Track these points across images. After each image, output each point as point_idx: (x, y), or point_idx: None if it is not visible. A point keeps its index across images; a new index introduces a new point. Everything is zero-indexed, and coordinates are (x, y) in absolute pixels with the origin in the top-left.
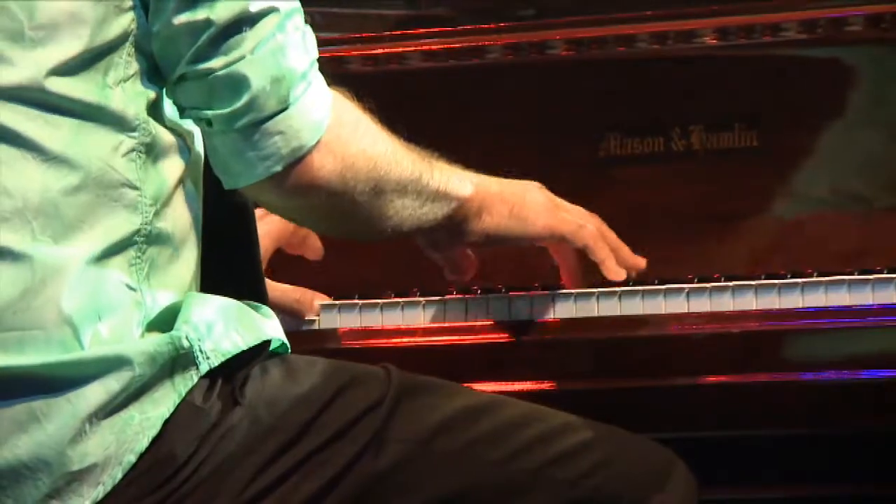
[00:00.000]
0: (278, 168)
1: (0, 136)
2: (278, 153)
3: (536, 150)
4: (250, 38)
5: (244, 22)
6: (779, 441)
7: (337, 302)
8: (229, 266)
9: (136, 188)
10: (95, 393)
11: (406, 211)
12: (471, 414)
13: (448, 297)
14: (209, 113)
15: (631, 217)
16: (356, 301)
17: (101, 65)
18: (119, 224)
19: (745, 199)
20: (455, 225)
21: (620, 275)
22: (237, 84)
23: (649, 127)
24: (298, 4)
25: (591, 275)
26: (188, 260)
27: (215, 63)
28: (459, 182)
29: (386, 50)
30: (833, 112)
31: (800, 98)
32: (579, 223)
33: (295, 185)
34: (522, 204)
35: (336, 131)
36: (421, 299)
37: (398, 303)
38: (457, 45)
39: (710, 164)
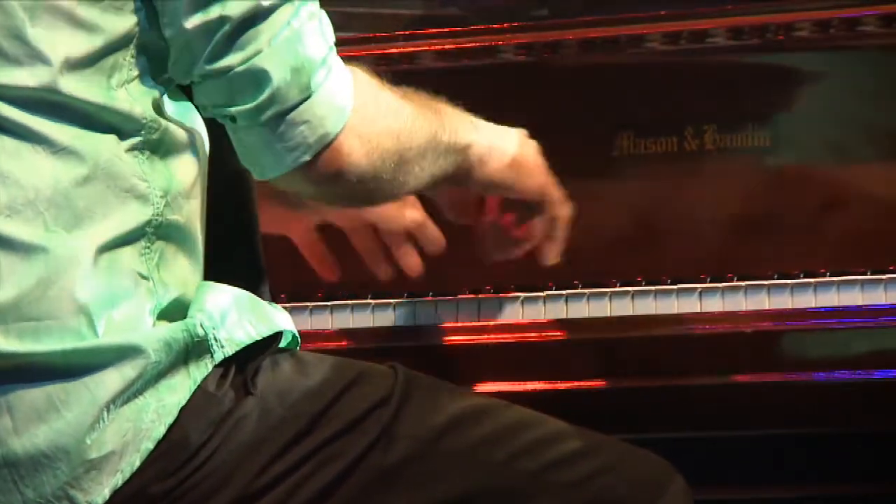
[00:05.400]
0: (307, 157)
1: (9, 130)
2: (305, 143)
3: (549, 149)
4: (265, 30)
5: (258, 15)
6: (790, 441)
7: (349, 302)
8: (231, 263)
9: (145, 181)
10: (112, 380)
11: (424, 172)
12: (475, 415)
13: (460, 297)
14: (232, 109)
15: (643, 216)
16: (369, 301)
17: (105, 68)
18: (131, 214)
19: (757, 199)
20: (459, 173)
21: (555, 259)
22: (258, 78)
23: (662, 127)
24: None
25: (606, 275)
26: (196, 252)
27: (233, 60)
28: (466, 131)
29: (399, 49)
30: (846, 112)
31: (813, 98)
32: (562, 198)
33: (325, 171)
34: (523, 158)
35: (360, 114)
36: (433, 299)
37: (411, 302)
38: (469, 45)
39: (723, 163)
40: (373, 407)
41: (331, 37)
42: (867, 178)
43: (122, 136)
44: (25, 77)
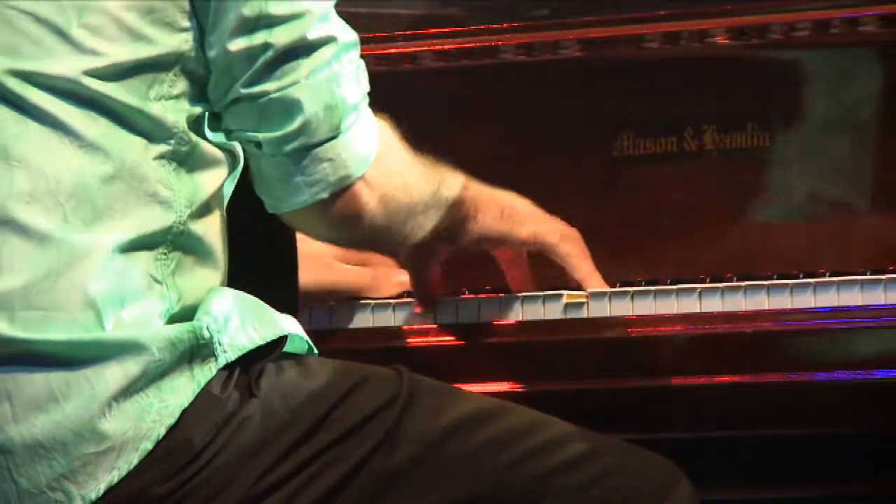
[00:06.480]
0: (325, 195)
1: (39, 118)
2: (326, 180)
3: (549, 150)
4: (306, 64)
5: (302, 48)
6: (790, 441)
7: (349, 302)
8: (265, 278)
9: (170, 189)
10: (115, 375)
11: (426, 225)
12: (480, 418)
13: (461, 297)
14: (259, 135)
15: (643, 217)
16: (369, 301)
17: (145, 78)
18: (152, 218)
19: (757, 199)
20: (453, 227)
21: (598, 284)
22: (290, 108)
23: (662, 127)
24: (357, 38)
25: (606, 275)
26: (214, 270)
27: (269, 86)
28: (458, 186)
29: (399, 50)
30: (846, 112)
31: (813, 98)
32: (556, 240)
33: (340, 214)
34: (512, 207)
35: (381, 164)
36: None
37: (411, 303)
38: (469, 45)
39: (723, 163)
40: (377, 410)
41: (366, 85)
42: (867, 178)
43: (152, 141)
44: (61, 67)
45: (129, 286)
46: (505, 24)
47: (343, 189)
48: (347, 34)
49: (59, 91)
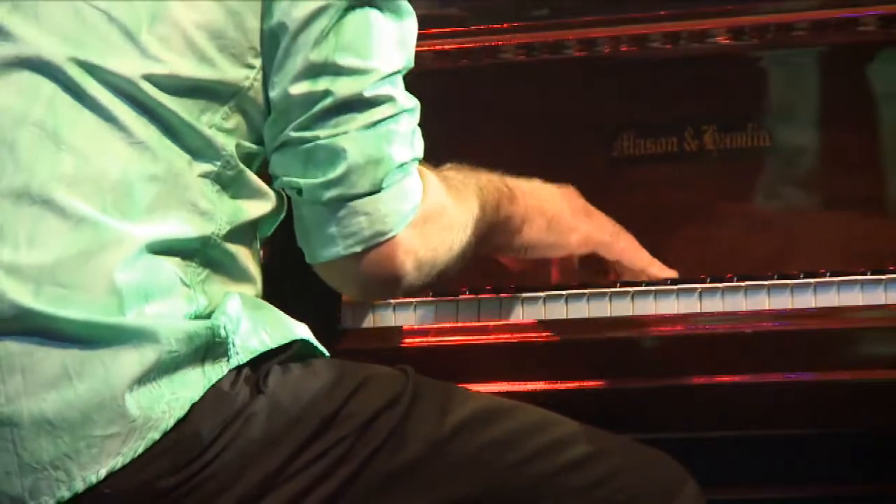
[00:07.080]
0: (357, 249)
1: (94, 109)
2: (361, 233)
3: (550, 150)
4: (360, 118)
5: (359, 102)
6: (790, 441)
7: (350, 302)
8: (306, 293)
9: (212, 203)
10: (131, 361)
11: (467, 254)
12: (486, 417)
13: (461, 297)
14: (301, 181)
15: (643, 217)
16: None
17: (200, 102)
18: (191, 225)
19: (757, 199)
20: (499, 242)
21: (669, 273)
22: (335, 155)
23: (662, 127)
24: (417, 105)
25: (602, 274)
26: (247, 286)
27: (320, 132)
28: (505, 205)
29: None
30: (846, 112)
31: (813, 98)
32: (610, 238)
33: (372, 271)
34: (560, 215)
35: (421, 226)
36: (433, 299)
37: (411, 303)
38: (469, 45)
39: (723, 163)
40: (382, 409)
41: (419, 151)
42: (867, 178)
43: (197, 158)
44: (122, 66)
45: (157, 283)
46: (505, 24)
47: (376, 245)
48: (409, 100)
49: (117, 89)
